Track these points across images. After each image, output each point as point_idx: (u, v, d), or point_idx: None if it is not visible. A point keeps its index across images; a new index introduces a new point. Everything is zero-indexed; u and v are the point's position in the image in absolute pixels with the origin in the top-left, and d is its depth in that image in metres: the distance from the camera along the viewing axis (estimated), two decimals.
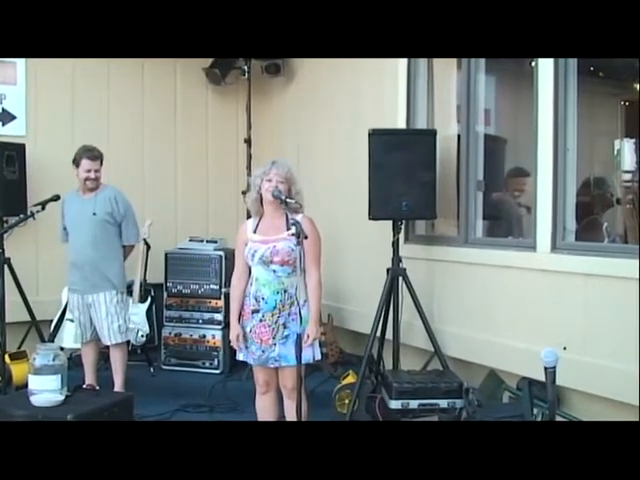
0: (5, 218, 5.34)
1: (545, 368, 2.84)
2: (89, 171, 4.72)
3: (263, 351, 3.67)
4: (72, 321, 5.00)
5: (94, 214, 4.71)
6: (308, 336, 3.57)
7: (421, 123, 5.01)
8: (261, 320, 3.66)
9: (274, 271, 3.64)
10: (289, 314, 3.63)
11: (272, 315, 3.64)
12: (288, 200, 3.61)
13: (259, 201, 3.76)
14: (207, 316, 5.60)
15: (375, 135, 4.49)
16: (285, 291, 3.64)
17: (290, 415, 3.73)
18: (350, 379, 4.77)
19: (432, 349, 4.51)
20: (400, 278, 4.55)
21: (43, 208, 4.93)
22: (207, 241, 5.76)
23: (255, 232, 3.74)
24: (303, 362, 3.43)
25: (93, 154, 4.74)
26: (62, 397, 3.67)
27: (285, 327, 3.63)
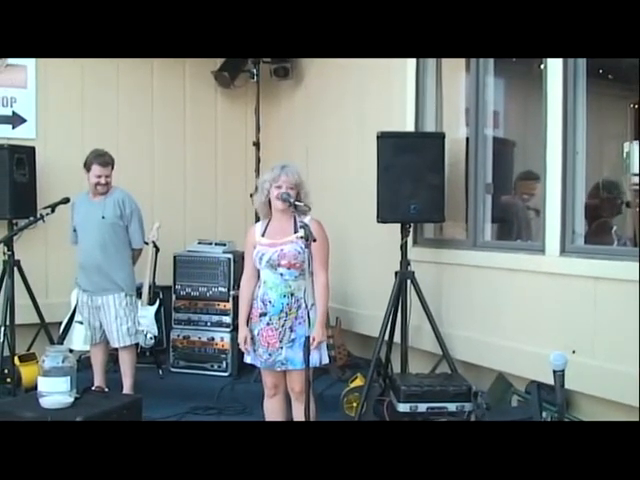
0: (15, 220, 5.36)
1: (554, 371, 2.83)
2: (99, 177, 4.72)
3: (270, 354, 3.68)
4: (81, 323, 5.02)
5: (103, 217, 4.72)
6: (314, 339, 3.56)
7: (430, 126, 5.00)
8: (268, 323, 3.66)
9: (281, 274, 3.64)
10: (296, 317, 3.63)
11: (279, 318, 3.64)
12: (297, 203, 3.62)
13: (267, 205, 3.77)
14: (215, 319, 5.60)
15: (384, 138, 4.49)
16: (292, 294, 3.64)
17: (298, 418, 3.72)
18: (358, 382, 4.76)
19: (440, 352, 4.50)
20: (408, 281, 4.54)
21: (53, 211, 4.96)
22: (216, 244, 5.76)
23: (263, 235, 3.75)
24: (310, 366, 3.42)
25: (104, 160, 4.74)
26: (71, 399, 3.69)
27: (292, 330, 3.63)
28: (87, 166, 4.75)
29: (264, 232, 3.76)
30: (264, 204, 3.77)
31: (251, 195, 6.12)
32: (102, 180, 4.73)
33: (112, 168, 4.79)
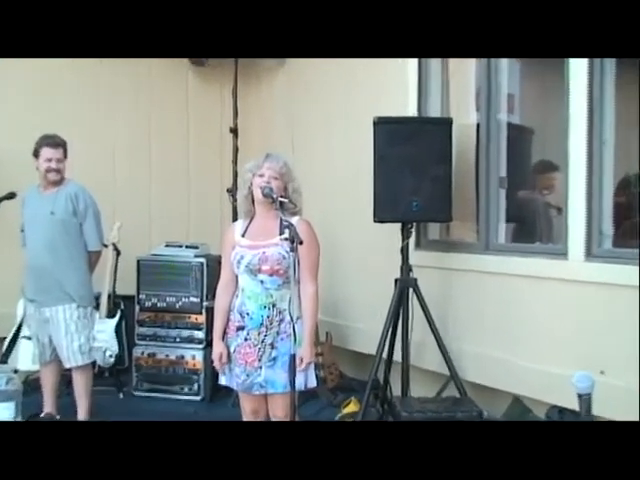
0: None
1: (578, 395, 2.83)
2: (50, 160, 4.71)
3: (248, 375, 3.63)
4: (29, 339, 4.97)
5: (52, 213, 4.69)
6: (302, 360, 3.52)
7: (434, 110, 5.02)
8: (246, 339, 3.62)
9: (262, 282, 3.60)
10: (278, 333, 3.58)
11: (258, 333, 3.59)
12: (281, 199, 3.58)
13: (250, 199, 3.73)
14: (186, 334, 5.60)
15: (381, 124, 4.49)
16: (274, 305, 3.59)
17: None
18: (352, 407, 4.77)
19: (447, 372, 4.50)
20: (410, 290, 4.54)
21: None
22: (187, 246, 5.77)
23: (244, 235, 3.71)
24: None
25: (54, 141, 4.75)
26: None
27: (273, 347, 3.59)
28: (36, 152, 4.75)
29: (245, 231, 3.72)
30: (246, 198, 3.73)
31: (228, 190, 6.14)
32: (53, 164, 4.72)
33: (65, 153, 4.79)
